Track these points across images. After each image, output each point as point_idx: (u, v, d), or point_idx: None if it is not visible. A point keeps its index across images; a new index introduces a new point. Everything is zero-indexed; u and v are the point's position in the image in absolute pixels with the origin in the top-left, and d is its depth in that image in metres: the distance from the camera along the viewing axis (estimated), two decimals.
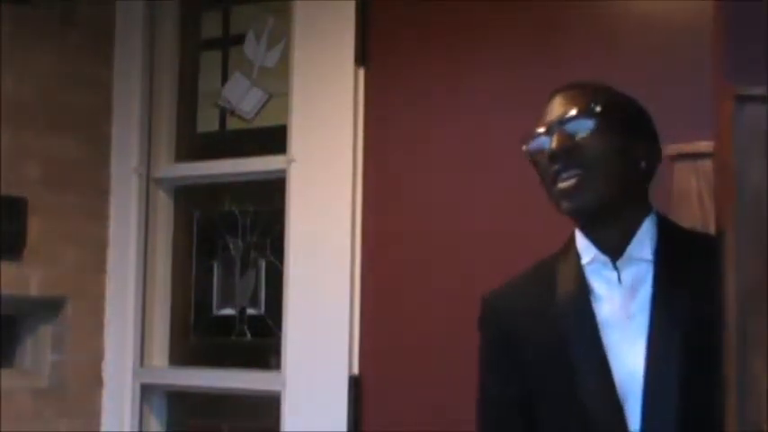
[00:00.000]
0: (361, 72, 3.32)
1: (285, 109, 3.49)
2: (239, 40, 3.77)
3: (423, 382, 3.12)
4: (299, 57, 3.44)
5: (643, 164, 1.74)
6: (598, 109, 1.71)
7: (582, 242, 1.76)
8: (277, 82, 3.63)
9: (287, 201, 3.43)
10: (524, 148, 1.79)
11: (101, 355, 3.74)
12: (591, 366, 1.68)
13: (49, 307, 3.63)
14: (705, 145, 2.32)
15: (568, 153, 1.69)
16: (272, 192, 3.55)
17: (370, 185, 3.29)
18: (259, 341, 3.62)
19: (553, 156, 1.70)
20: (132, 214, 3.75)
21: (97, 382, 3.72)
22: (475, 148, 3.11)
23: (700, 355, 1.61)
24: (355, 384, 3.22)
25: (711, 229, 2.24)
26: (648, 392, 1.64)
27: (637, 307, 1.69)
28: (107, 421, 3.72)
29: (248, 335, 3.66)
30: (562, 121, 1.72)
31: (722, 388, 1.38)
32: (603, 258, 1.72)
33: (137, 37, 3.80)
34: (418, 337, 3.15)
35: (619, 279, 1.71)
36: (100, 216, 3.76)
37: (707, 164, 2.34)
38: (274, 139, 3.54)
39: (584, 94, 1.76)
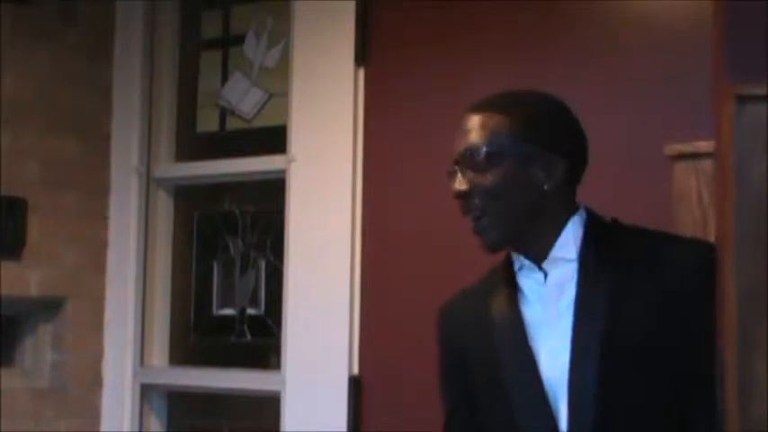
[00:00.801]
0: (361, 72, 3.32)
1: (285, 109, 3.49)
2: (239, 40, 3.77)
3: (423, 382, 3.11)
4: (298, 57, 3.44)
5: (546, 185, 1.73)
6: (486, 148, 1.74)
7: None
8: (277, 82, 3.63)
9: (287, 201, 3.43)
10: (451, 168, 1.81)
11: (101, 355, 3.74)
12: (519, 367, 1.71)
13: (49, 307, 3.63)
14: (705, 145, 2.31)
15: (467, 195, 1.74)
16: (272, 192, 3.55)
17: (371, 185, 3.29)
18: (259, 341, 3.62)
19: (456, 196, 1.76)
20: (132, 214, 3.75)
21: (97, 381, 3.72)
22: None
23: (621, 352, 1.63)
24: (355, 384, 3.23)
25: (711, 230, 2.24)
26: (572, 392, 1.65)
27: (564, 306, 1.71)
28: (107, 421, 3.72)
29: (248, 335, 3.66)
30: (462, 153, 1.77)
31: (714, 389, 1.38)
32: (528, 263, 1.75)
33: (137, 37, 3.80)
34: (418, 337, 3.14)
35: (545, 280, 1.73)
36: (100, 216, 3.76)
37: (707, 164, 2.34)
38: (274, 139, 3.54)
39: (485, 119, 1.79)
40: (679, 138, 2.38)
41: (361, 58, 3.31)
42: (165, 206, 3.83)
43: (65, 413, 3.62)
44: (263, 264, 3.65)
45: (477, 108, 1.83)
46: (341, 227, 3.29)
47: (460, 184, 1.75)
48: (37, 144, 3.56)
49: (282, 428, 3.34)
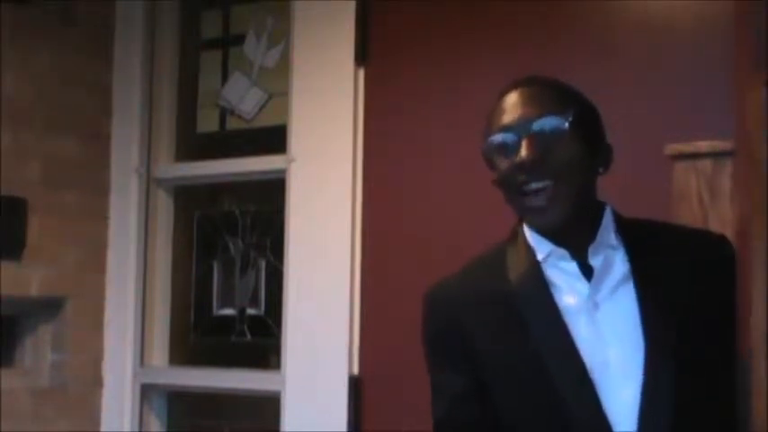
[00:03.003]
0: (361, 72, 3.32)
1: (285, 109, 3.49)
2: (239, 40, 3.77)
3: (423, 382, 3.11)
4: (299, 57, 3.44)
5: (601, 169, 1.73)
6: (570, 113, 1.66)
7: (534, 236, 1.73)
8: (277, 82, 3.63)
9: (287, 201, 3.43)
10: (490, 144, 1.72)
11: (101, 355, 3.74)
12: (559, 353, 1.65)
13: (49, 307, 3.63)
14: (705, 145, 2.32)
15: (539, 163, 1.65)
16: (272, 192, 3.55)
17: (370, 185, 3.29)
18: (259, 341, 3.62)
19: (523, 165, 1.65)
20: (132, 214, 3.75)
21: (97, 382, 3.72)
22: (475, 148, 3.09)
23: (689, 342, 1.64)
24: (355, 384, 3.22)
25: (711, 229, 2.24)
26: (645, 380, 1.62)
27: (603, 295, 1.68)
28: (107, 421, 3.72)
29: (248, 335, 3.66)
30: (529, 123, 1.67)
31: (738, 391, 1.38)
32: (561, 252, 1.69)
33: (137, 37, 3.80)
34: (418, 337, 3.14)
35: (581, 270, 1.69)
36: (100, 216, 3.76)
37: (707, 164, 2.34)
38: (274, 139, 3.54)
39: (547, 93, 1.71)
40: (679, 138, 2.38)
41: (361, 58, 3.31)
42: (165, 206, 3.83)
43: (65, 413, 3.62)
44: (263, 264, 3.65)
45: (530, 82, 1.74)
46: (341, 227, 3.29)
47: (528, 152, 1.64)
48: (37, 144, 3.56)
49: (282, 428, 3.34)
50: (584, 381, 1.62)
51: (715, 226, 2.27)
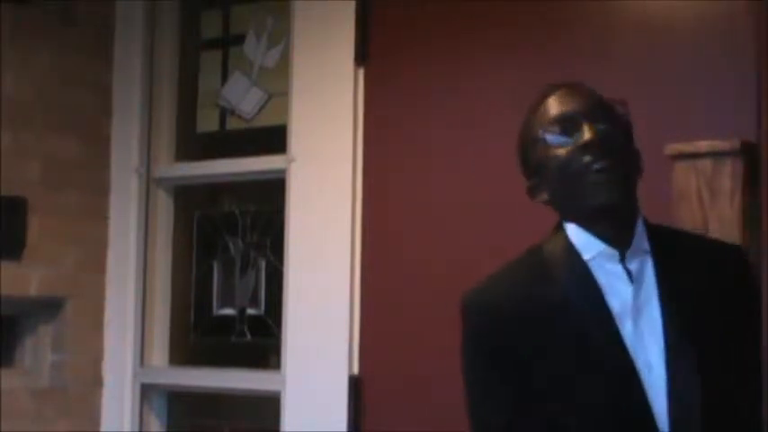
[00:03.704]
0: (361, 72, 3.32)
1: (285, 109, 3.48)
2: (239, 40, 3.77)
3: (423, 382, 3.12)
4: (299, 57, 3.44)
5: (642, 169, 1.79)
6: (620, 108, 1.75)
7: (580, 236, 1.75)
8: (277, 82, 3.62)
9: (287, 201, 3.42)
10: (546, 137, 1.75)
11: (101, 355, 3.74)
12: (612, 355, 1.67)
13: (49, 307, 3.63)
14: (705, 145, 2.32)
15: (603, 142, 1.70)
16: (272, 192, 3.55)
17: (370, 185, 3.28)
18: (259, 341, 3.62)
19: (588, 145, 1.70)
20: (132, 214, 3.75)
21: (97, 382, 3.72)
22: (475, 148, 3.11)
23: (713, 349, 1.68)
24: (355, 384, 3.22)
25: (711, 230, 2.24)
26: (673, 386, 1.66)
27: (643, 299, 1.71)
28: (107, 421, 3.72)
29: (248, 335, 3.66)
30: (588, 111, 1.73)
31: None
32: (611, 252, 1.72)
33: (137, 37, 3.80)
34: (418, 337, 3.14)
35: (628, 272, 1.71)
36: (100, 216, 3.76)
37: (707, 164, 2.34)
38: (274, 139, 3.54)
39: (594, 93, 1.79)
40: (679, 138, 2.38)
41: (361, 58, 3.31)
42: (165, 206, 3.82)
43: (65, 413, 3.62)
44: (263, 264, 3.65)
45: (574, 83, 1.82)
46: (341, 227, 3.29)
47: (593, 133, 1.70)
48: (37, 144, 3.56)
49: (282, 428, 3.34)
50: (634, 383, 1.66)
51: (715, 226, 2.27)
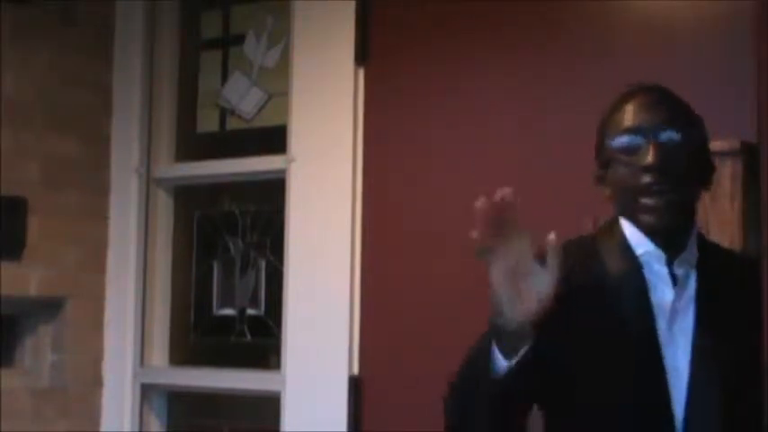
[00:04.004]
0: (361, 72, 3.32)
1: (285, 109, 3.48)
2: (239, 40, 3.77)
3: (423, 382, 3.11)
4: (299, 57, 3.44)
5: (708, 185, 1.83)
6: (691, 130, 1.76)
7: (634, 234, 1.78)
8: (277, 82, 3.62)
9: (287, 201, 3.42)
10: (612, 144, 1.77)
11: (101, 355, 3.74)
12: (644, 350, 1.71)
13: (49, 307, 3.63)
14: None
15: (664, 169, 1.72)
16: (272, 192, 3.55)
17: (370, 185, 3.28)
18: (259, 341, 3.62)
19: (649, 168, 1.71)
20: (132, 214, 3.75)
21: (97, 381, 3.72)
22: (475, 148, 3.11)
23: (738, 364, 1.71)
24: (355, 384, 3.22)
25: (711, 230, 2.24)
26: (692, 393, 1.69)
27: (681, 305, 1.75)
28: (107, 421, 3.72)
29: (248, 335, 3.66)
30: (658, 130, 1.74)
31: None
32: (659, 254, 1.75)
33: (137, 37, 3.80)
34: (418, 337, 3.14)
35: (672, 276, 1.75)
36: (100, 216, 3.76)
37: None
38: (274, 139, 3.54)
39: (673, 105, 1.80)
40: None
41: (361, 57, 3.31)
42: (165, 206, 3.82)
43: (65, 413, 3.62)
44: (263, 264, 3.65)
45: (655, 89, 1.82)
46: (341, 227, 3.29)
47: (656, 158, 1.71)
48: (37, 144, 3.56)
49: (282, 428, 3.34)
50: (659, 379, 1.69)
51: (715, 226, 2.27)
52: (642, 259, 1.77)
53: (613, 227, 1.82)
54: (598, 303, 1.74)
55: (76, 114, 3.70)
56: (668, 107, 1.78)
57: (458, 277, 3.08)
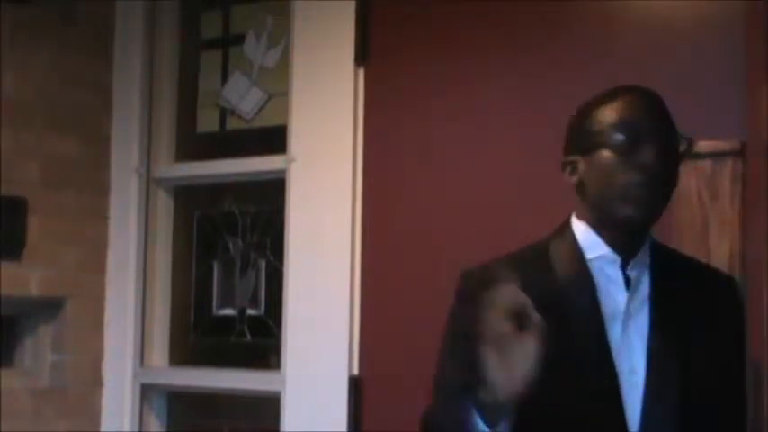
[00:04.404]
0: (361, 72, 3.32)
1: (285, 109, 3.48)
2: (239, 40, 3.77)
3: (423, 382, 3.11)
4: (298, 57, 3.44)
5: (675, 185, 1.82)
6: (680, 135, 1.76)
7: (588, 237, 1.78)
8: (277, 82, 3.62)
9: (287, 201, 3.42)
10: (606, 134, 1.75)
11: (101, 355, 3.74)
12: (595, 360, 1.71)
13: (49, 307, 3.63)
14: (705, 145, 2.32)
15: (662, 169, 1.72)
16: (272, 192, 3.55)
17: (370, 185, 3.28)
18: (259, 341, 3.62)
19: (645, 166, 1.71)
20: (132, 214, 3.75)
21: (97, 381, 3.72)
22: (475, 148, 3.11)
23: (694, 364, 1.72)
24: (355, 384, 3.22)
25: (711, 230, 2.24)
26: (649, 394, 1.68)
27: (635, 306, 1.74)
28: (107, 421, 3.72)
29: (248, 335, 3.66)
30: (657, 130, 1.74)
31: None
32: (613, 257, 1.75)
33: (137, 37, 3.80)
34: (418, 337, 3.14)
35: (626, 278, 1.75)
36: (100, 216, 3.76)
37: (707, 164, 2.34)
38: (274, 139, 3.54)
39: (663, 105, 1.80)
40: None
41: (361, 57, 3.31)
42: (165, 206, 3.82)
43: (65, 413, 3.62)
44: (263, 264, 3.65)
45: (647, 90, 1.81)
46: (341, 227, 3.29)
47: (653, 157, 1.71)
48: (37, 144, 3.56)
49: (282, 428, 3.34)
50: (613, 386, 1.69)
51: (715, 226, 2.27)
52: (593, 264, 1.76)
53: (565, 231, 1.82)
54: (550, 316, 1.66)
55: (76, 114, 3.70)
56: (665, 109, 1.79)
57: (458, 277, 3.08)
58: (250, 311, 3.66)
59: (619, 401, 1.68)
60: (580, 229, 1.80)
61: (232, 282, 3.71)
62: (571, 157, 1.81)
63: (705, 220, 2.29)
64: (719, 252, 2.31)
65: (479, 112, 3.11)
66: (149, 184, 3.78)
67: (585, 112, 1.81)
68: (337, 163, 3.31)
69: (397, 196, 3.25)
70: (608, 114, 1.77)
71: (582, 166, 1.78)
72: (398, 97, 3.26)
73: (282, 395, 3.35)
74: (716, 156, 2.30)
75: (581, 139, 1.79)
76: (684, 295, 1.78)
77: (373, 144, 3.29)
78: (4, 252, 3.42)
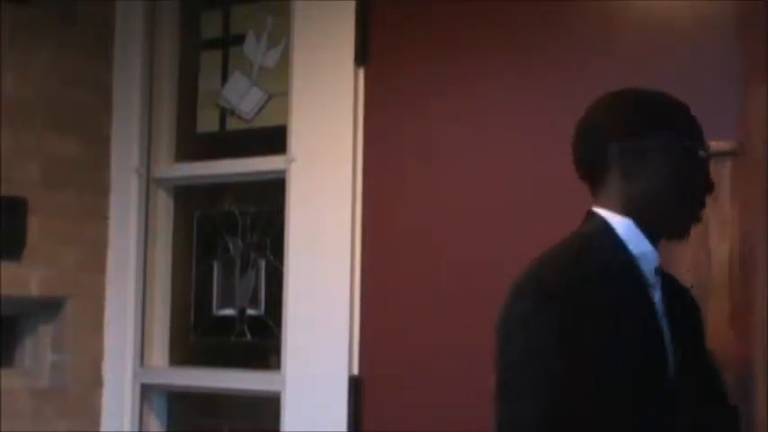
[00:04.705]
0: (361, 72, 3.32)
1: (285, 109, 3.48)
2: (239, 40, 3.77)
3: (423, 382, 3.12)
4: (298, 57, 3.44)
5: None
6: None
7: (630, 231, 1.78)
8: (277, 82, 3.62)
9: (287, 201, 3.42)
10: (702, 154, 1.82)
11: (101, 355, 3.74)
12: (653, 347, 1.73)
13: (49, 307, 3.63)
14: None
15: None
16: (272, 192, 3.55)
17: (371, 185, 3.29)
18: (259, 341, 3.62)
19: (711, 185, 1.83)
20: (132, 214, 3.75)
21: (97, 381, 3.72)
22: (475, 148, 3.11)
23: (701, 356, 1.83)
24: (355, 384, 3.22)
25: (711, 230, 2.25)
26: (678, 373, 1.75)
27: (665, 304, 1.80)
28: (107, 421, 3.72)
29: (248, 335, 3.66)
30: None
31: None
32: (654, 255, 1.79)
33: (137, 37, 3.80)
34: (418, 337, 3.14)
35: (658, 276, 1.79)
36: (100, 216, 3.76)
37: None
38: (274, 139, 3.54)
39: None
40: None
41: (361, 58, 3.31)
42: (165, 206, 3.82)
43: (65, 413, 3.62)
44: (263, 264, 3.65)
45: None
46: (341, 227, 3.29)
47: (713, 179, 1.85)
48: (37, 144, 3.56)
49: (282, 428, 3.34)
50: (668, 380, 1.73)
51: (715, 226, 2.27)
52: (639, 260, 1.77)
53: (600, 226, 1.79)
54: (615, 310, 1.71)
55: (76, 114, 3.70)
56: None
57: (458, 277, 3.09)
58: (250, 311, 3.66)
59: (674, 398, 1.72)
60: (622, 223, 1.79)
61: (232, 282, 3.71)
62: (635, 145, 1.79)
63: (705, 220, 2.29)
64: (719, 252, 2.31)
65: (479, 112, 3.11)
66: (149, 184, 3.78)
67: (664, 111, 1.84)
68: (337, 163, 3.31)
69: (397, 196, 3.25)
70: (689, 125, 1.84)
71: (652, 161, 1.78)
72: (398, 97, 3.26)
73: (282, 395, 3.35)
74: (716, 156, 2.30)
75: (650, 135, 1.79)
76: (680, 296, 1.87)
77: (373, 144, 3.29)
78: (4, 252, 3.42)
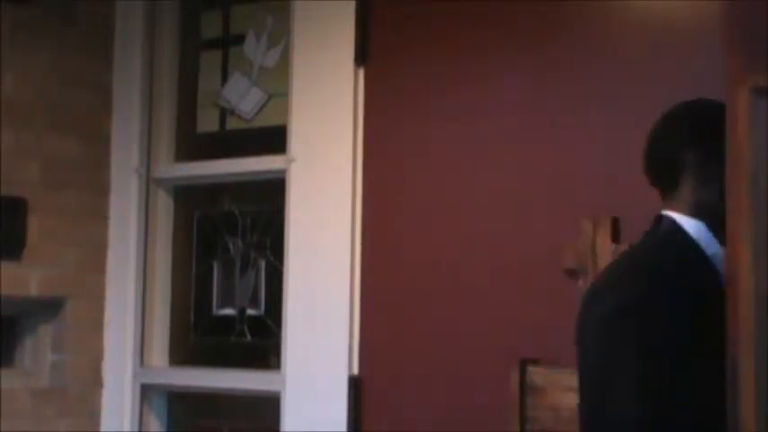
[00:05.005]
0: (361, 72, 3.32)
1: (285, 109, 3.49)
2: (239, 40, 3.77)
3: (423, 382, 3.12)
4: (298, 57, 3.45)
5: None
6: None
7: (701, 234, 1.83)
8: (277, 82, 3.63)
9: (287, 201, 3.43)
10: None
11: (101, 355, 3.74)
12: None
13: (49, 307, 3.63)
14: None
15: None
16: (272, 192, 3.55)
17: (371, 185, 3.29)
18: (259, 341, 3.62)
19: None
20: (132, 214, 3.75)
21: (97, 381, 3.72)
22: (475, 148, 3.11)
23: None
24: (355, 384, 3.23)
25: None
26: None
27: None
28: (107, 421, 3.72)
29: (248, 335, 3.66)
30: None
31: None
32: (721, 258, 1.77)
33: (137, 37, 3.80)
34: (418, 337, 3.15)
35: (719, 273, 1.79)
36: (100, 216, 3.76)
37: None
38: (274, 139, 3.54)
39: None
40: None
41: (361, 58, 3.32)
42: (165, 206, 3.82)
43: (65, 413, 3.62)
44: (263, 264, 3.65)
45: None
46: (341, 227, 3.29)
47: None
48: (37, 144, 3.56)
49: (282, 428, 3.34)
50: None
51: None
52: (714, 260, 1.81)
53: (674, 230, 1.85)
54: (704, 308, 1.71)
55: (76, 114, 3.70)
56: None
57: (457, 277, 3.09)
58: (250, 311, 3.66)
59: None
60: (691, 224, 1.84)
61: (232, 282, 3.71)
62: (708, 154, 1.83)
63: None
64: None
65: (479, 112, 3.11)
66: (149, 184, 3.78)
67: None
68: (337, 163, 3.31)
69: (396, 196, 3.25)
70: None
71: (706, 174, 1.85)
72: (398, 97, 3.26)
73: (282, 395, 3.35)
74: None
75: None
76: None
77: (373, 144, 3.29)
78: (4, 252, 3.42)
